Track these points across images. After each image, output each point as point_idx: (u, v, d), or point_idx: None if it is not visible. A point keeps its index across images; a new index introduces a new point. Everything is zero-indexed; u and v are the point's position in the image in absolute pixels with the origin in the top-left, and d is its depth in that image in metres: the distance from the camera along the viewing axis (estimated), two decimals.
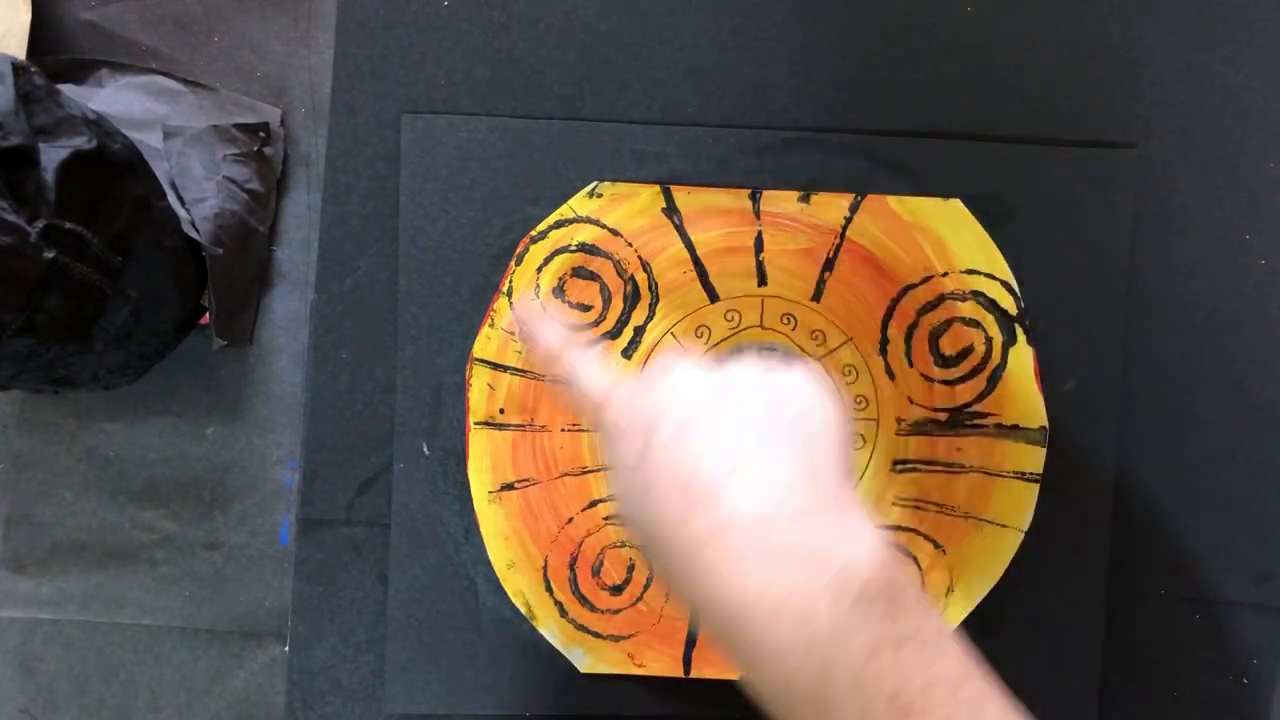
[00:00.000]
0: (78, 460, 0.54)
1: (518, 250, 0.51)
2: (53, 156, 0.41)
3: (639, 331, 0.51)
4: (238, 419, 0.54)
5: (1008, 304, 0.50)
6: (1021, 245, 0.50)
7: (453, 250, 0.51)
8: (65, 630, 0.54)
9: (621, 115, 0.52)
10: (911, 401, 0.51)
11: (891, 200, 0.50)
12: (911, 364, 0.51)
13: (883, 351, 0.51)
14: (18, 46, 0.52)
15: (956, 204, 0.50)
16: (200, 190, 0.50)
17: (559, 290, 0.51)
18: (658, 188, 0.51)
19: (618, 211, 0.51)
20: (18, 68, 0.41)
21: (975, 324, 0.51)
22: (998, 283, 0.50)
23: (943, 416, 0.51)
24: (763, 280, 0.51)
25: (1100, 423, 0.50)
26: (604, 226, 0.51)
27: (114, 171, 0.43)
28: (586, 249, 0.51)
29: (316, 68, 0.54)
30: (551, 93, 0.52)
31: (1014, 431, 0.50)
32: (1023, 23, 0.51)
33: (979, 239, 0.50)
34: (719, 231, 0.51)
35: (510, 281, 0.51)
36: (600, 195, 0.51)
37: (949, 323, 0.51)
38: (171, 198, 0.48)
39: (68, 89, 0.51)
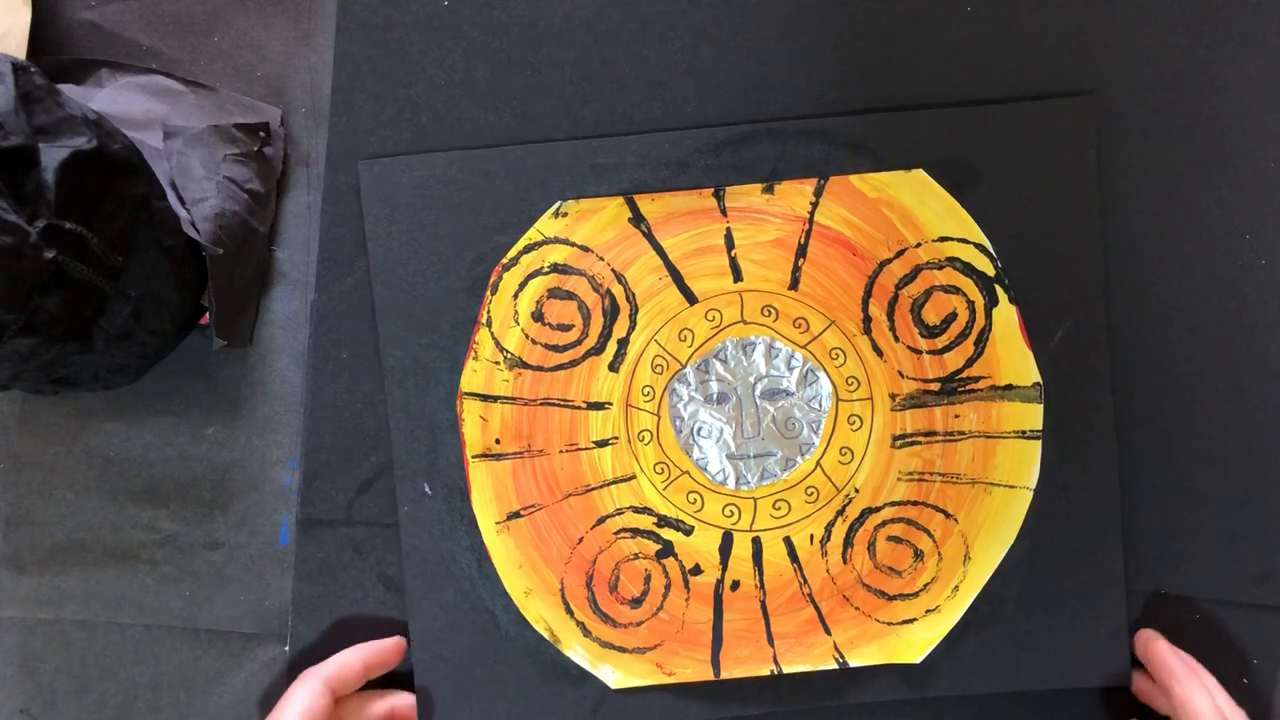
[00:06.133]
0: (78, 460, 0.54)
1: (491, 279, 0.51)
2: (53, 156, 0.41)
3: (623, 344, 0.51)
4: (238, 419, 0.54)
5: (985, 266, 0.50)
6: (991, 206, 0.50)
7: (427, 289, 0.51)
8: (65, 630, 0.54)
9: (622, 114, 0.52)
10: (902, 375, 0.51)
11: (855, 179, 0.50)
12: (897, 339, 0.51)
13: (867, 330, 0.51)
14: (18, 46, 0.52)
15: (919, 174, 0.50)
16: (200, 190, 0.50)
17: (538, 314, 0.51)
18: (621, 199, 0.51)
19: (585, 228, 0.51)
20: (18, 68, 0.41)
21: (955, 290, 0.51)
22: (971, 246, 0.50)
23: (935, 386, 0.51)
24: (738, 276, 0.51)
25: (1094, 371, 0.50)
26: (574, 244, 0.51)
27: (114, 171, 0.43)
28: (560, 269, 0.51)
29: (316, 68, 0.54)
30: (551, 93, 0.52)
31: (1009, 391, 0.50)
32: (1020, 26, 0.51)
33: (947, 205, 0.50)
34: (688, 234, 0.51)
35: (488, 311, 0.51)
36: (565, 214, 0.51)
37: (929, 292, 0.51)
38: (171, 198, 0.48)
39: (68, 89, 0.51)
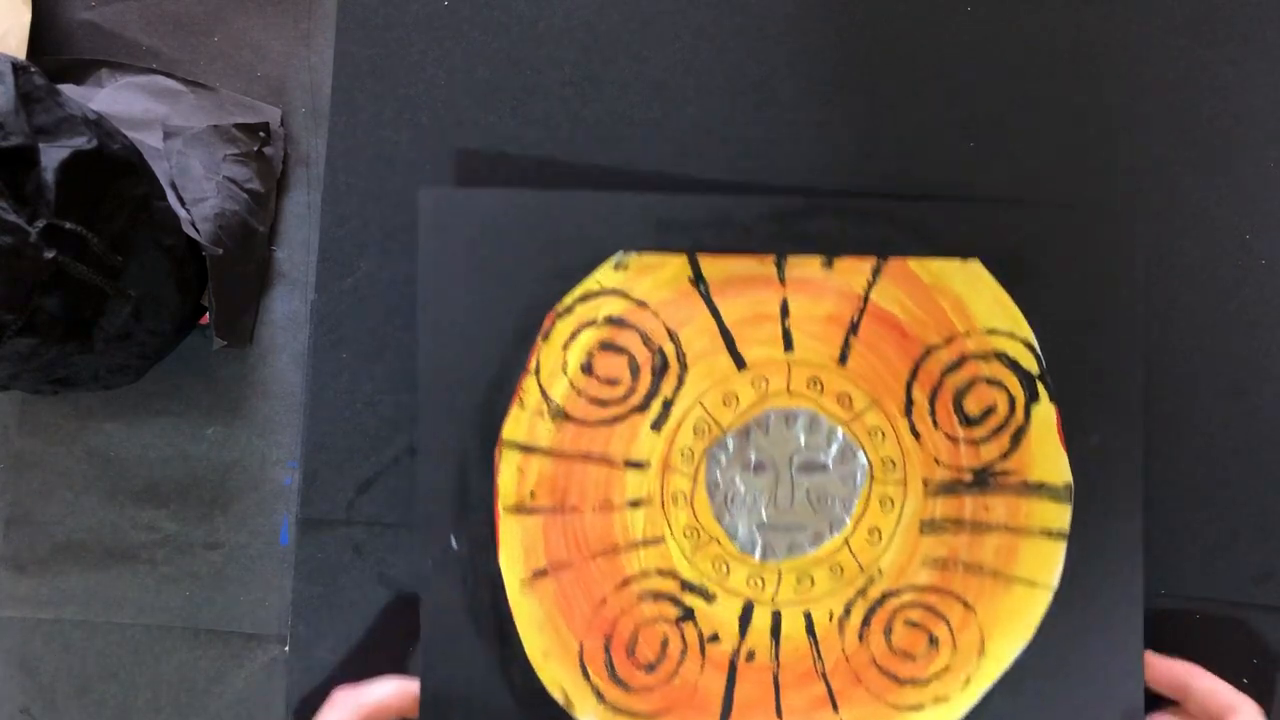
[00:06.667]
0: (78, 460, 0.54)
1: (544, 327, 0.50)
2: (53, 156, 0.41)
3: (668, 404, 0.50)
4: (238, 419, 0.54)
5: (1029, 363, 0.50)
6: (1039, 303, 0.50)
7: (475, 330, 0.50)
8: (65, 630, 0.54)
9: (622, 114, 0.52)
10: (938, 462, 0.50)
11: (912, 263, 0.50)
12: (936, 425, 0.50)
13: (908, 413, 0.50)
14: (18, 46, 0.52)
15: (976, 265, 0.50)
16: (200, 190, 0.50)
17: (587, 365, 0.50)
18: (684, 257, 0.50)
19: (644, 283, 0.50)
20: (18, 68, 0.41)
21: (998, 383, 0.50)
22: (1019, 342, 0.50)
23: (969, 476, 0.50)
24: (789, 346, 0.50)
25: (1126, 478, 0.50)
26: (631, 298, 0.50)
27: (114, 171, 0.43)
28: (614, 322, 0.50)
29: (316, 68, 0.54)
30: (551, 93, 0.52)
31: (1039, 489, 0.50)
32: (1020, 26, 0.51)
33: (999, 299, 0.50)
34: (745, 299, 0.50)
35: (537, 359, 0.50)
36: (626, 267, 0.50)
37: (972, 383, 0.50)
38: (171, 198, 0.48)
39: (68, 89, 0.51)
